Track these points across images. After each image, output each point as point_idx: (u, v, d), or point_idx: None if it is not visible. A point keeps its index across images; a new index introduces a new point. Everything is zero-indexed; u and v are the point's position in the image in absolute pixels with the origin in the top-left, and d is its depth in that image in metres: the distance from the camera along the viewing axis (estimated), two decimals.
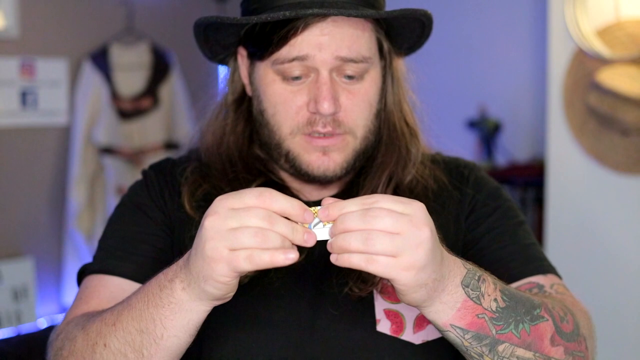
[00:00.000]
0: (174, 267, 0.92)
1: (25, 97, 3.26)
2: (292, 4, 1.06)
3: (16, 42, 3.21)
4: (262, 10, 1.08)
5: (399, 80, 1.19)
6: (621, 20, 2.42)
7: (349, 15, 1.03)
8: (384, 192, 1.14)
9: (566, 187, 2.56)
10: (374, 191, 1.14)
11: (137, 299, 0.94)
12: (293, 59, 1.06)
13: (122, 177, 3.39)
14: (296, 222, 0.85)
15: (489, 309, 0.91)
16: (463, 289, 0.90)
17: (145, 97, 3.55)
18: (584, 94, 2.48)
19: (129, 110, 3.50)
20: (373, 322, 1.07)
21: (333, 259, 0.85)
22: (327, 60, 1.06)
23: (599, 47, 2.43)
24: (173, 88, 3.61)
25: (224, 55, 1.20)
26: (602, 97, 2.44)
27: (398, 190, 1.16)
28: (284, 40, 1.06)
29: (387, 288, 1.09)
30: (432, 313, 0.90)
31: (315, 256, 1.11)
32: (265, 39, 1.08)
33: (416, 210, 0.84)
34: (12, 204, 3.25)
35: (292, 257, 0.84)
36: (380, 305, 1.08)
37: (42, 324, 3.11)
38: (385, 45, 1.14)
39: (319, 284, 1.10)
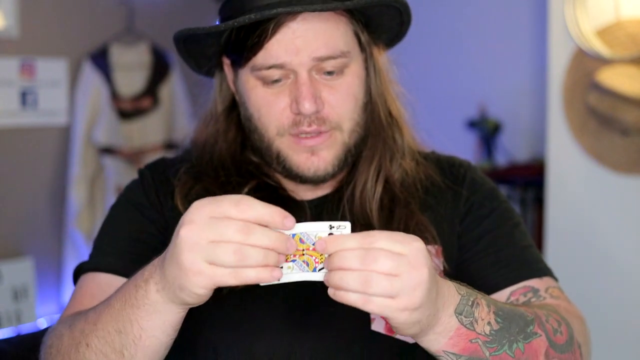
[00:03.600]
0: (149, 267, 0.92)
1: (25, 97, 3.26)
2: (259, 6, 1.05)
3: (16, 42, 3.21)
4: (234, 17, 1.07)
5: (381, 72, 1.18)
6: (621, 20, 2.42)
7: (314, 10, 1.02)
8: (374, 187, 1.14)
9: (566, 187, 2.56)
10: (364, 186, 1.13)
11: (115, 299, 0.94)
12: (270, 67, 1.07)
13: (122, 177, 3.38)
14: (277, 230, 0.84)
15: (483, 333, 0.92)
16: (456, 317, 0.90)
17: (145, 97, 3.55)
18: (584, 94, 2.48)
19: (128, 110, 3.50)
20: (367, 320, 1.08)
21: (330, 292, 0.85)
22: (304, 62, 1.06)
23: (599, 47, 2.43)
24: (173, 88, 3.61)
25: (210, 66, 1.20)
26: (602, 97, 2.44)
27: (387, 184, 1.15)
28: (258, 45, 1.06)
29: None
30: (425, 342, 0.91)
31: None
32: (241, 45, 1.08)
33: (415, 250, 0.84)
34: (12, 204, 3.24)
35: (276, 275, 0.84)
36: None
37: (42, 324, 3.11)
38: (364, 38, 1.13)
39: (313, 284, 1.10)
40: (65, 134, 3.40)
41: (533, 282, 1.11)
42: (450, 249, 1.14)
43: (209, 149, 1.19)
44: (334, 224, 0.86)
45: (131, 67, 3.50)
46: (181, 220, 0.85)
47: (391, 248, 0.83)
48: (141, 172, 1.24)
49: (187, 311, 0.92)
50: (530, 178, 3.07)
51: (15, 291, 3.13)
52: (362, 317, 1.07)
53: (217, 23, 1.13)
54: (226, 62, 1.17)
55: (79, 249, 3.33)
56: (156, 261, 0.91)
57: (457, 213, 1.17)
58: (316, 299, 1.08)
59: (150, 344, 0.91)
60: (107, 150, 3.40)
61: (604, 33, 2.44)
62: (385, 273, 0.82)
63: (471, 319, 0.91)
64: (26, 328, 3.06)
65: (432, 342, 0.90)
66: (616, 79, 2.42)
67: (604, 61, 2.42)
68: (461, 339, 0.90)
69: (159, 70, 3.58)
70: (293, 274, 0.87)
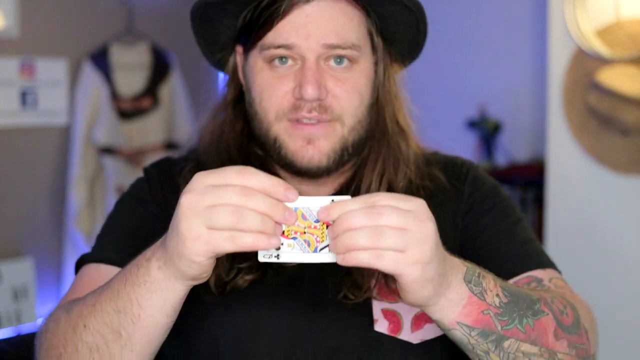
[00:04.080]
0: (152, 247, 0.91)
1: (25, 97, 3.26)
2: None
3: (16, 42, 3.21)
4: None
5: (391, 79, 1.18)
6: (621, 20, 2.42)
7: None
8: (377, 191, 1.13)
9: (566, 187, 2.56)
10: (367, 190, 1.13)
11: (116, 280, 0.93)
12: (279, 46, 1.06)
13: (122, 177, 3.38)
14: (278, 200, 0.82)
15: (493, 305, 0.91)
16: (467, 284, 0.89)
17: (145, 97, 3.55)
18: (584, 94, 2.48)
19: (128, 110, 3.50)
20: (371, 321, 1.07)
21: (339, 259, 0.83)
22: (313, 48, 1.06)
23: (599, 47, 2.43)
24: (173, 88, 3.61)
25: (222, 56, 1.20)
26: (602, 97, 2.44)
27: (391, 190, 1.15)
28: (268, 24, 1.06)
29: (384, 289, 1.09)
30: (438, 312, 0.89)
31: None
32: (252, 26, 1.08)
33: (419, 206, 0.84)
34: (12, 204, 3.24)
35: (274, 242, 0.82)
36: (378, 304, 1.08)
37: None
38: (377, 40, 1.13)
39: (316, 286, 1.10)
40: (65, 134, 3.40)
41: (536, 273, 1.11)
42: (452, 246, 1.14)
43: (216, 139, 1.19)
44: (336, 198, 0.85)
45: (131, 67, 3.50)
46: (183, 191, 0.84)
47: (395, 204, 0.82)
48: (147, 171, 1.24)
49: (188, 292, 0.90)
50: (530, 178, 3.07)
51: (15, 291, 3.13)
52: (365, 318, 1.07)
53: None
54: (239, 50, 1.16)
55: (79, 249, 3.33)
56: (159, 241, 0.90)
57: (460, 211, 1.18)
58: (320, 299, 1.09)
59: (148, 324, 0.90)
60: (107, 150, 3.40)
61: (604, 33, 2.44)
62: (394, 227, 0.81)
63: (480, 288, 0.90)
64: (26, 328, 3.06)
65: (445, 311, 0.89)
66: (616, 79, 2.42)
67: (604, 61, 2.42)
68: (474, 309, 0.89)
69: (159, 70, 3.58)
70: (293, 253, 0.85)
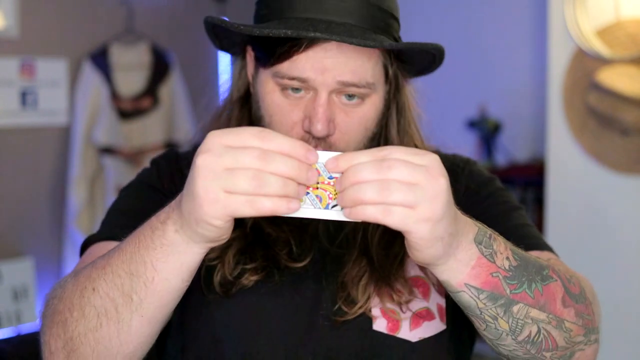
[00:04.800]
0: (166, 209, 0.88)
1: (25, 97, 3.26)
2: (299, 18, 1.03)
3: (16, 42, 3.21)
4: (271, 18, 1.06)
5: (406, 108, 1.16)
6: (621, 20, 2.42)
7: (351, 44, 1.00)
8: None
9: (566, 187, 2.56)
10: None
11: (128, 242, 0.90)
12: (294, 78, 1.05)
13: (122, 177, 3.38)
14: (298, 160, 0.79)
15: (503, 268, 0.89)
16: (477, 245, 0.87)
17: (145, 97, 3.55)
18: (584, 94, 2.48)
19: (128, 110, 3.50)
20: (369, 320, 1.08)
21: (346, 213, 0.81)
22: (328, 83, 1.04)
23: (599, 47, 2.43)
24: (173, 88, 3.61)
25: (234, 51, 1.19)
26: (602, 97, 2.44)
27: None
28: (286, 55, 1.04)
29: (383, 289, 1.09)
30: (446, 272, 0.87)
31: (316, 257, 1.11)
32: (269, 49, 1.06)
33: (432, 161, 0.81)
34: (12, 204, 3.25)
35: (294, 207, 0.79)
36: (376, 303, 1.08)
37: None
38: (392, 71, 1.11)
39: (319, 286, 1.10)
40: (65, 134, 3.40)
41: (534, 254, 1.10)
42: None
43: None
44: None
45: (131, 67, 3.51)
46: (197, 151, 0.81)
47: (407, 158, 0.80)
48: (155, 161, 1.23)
49: (205, 254, 0.87)
50: (530, 178, 3.07)
51: (15, 291, 3.13)
52: (364, 317, 1.07)
53: (254, 13, 1.11)
54: (250, 53, 1.15)
55: (79, 249, 3.33)
56: (173, 203, 0.87)
57: (457, 204, 1.17)
58: (320, 300, 1.09)
59: (162, 289, 0.87)
60: (107, 150, 3.40)
61: (604, 33, 2.44)
62: (404, 181, 0.78)
63: (490, 250, 0.88)
64: (26, 328, 3.06)
65: (453, 272, 0.86)
66: (616, 79, 2.42)
67: (604, 61, 2.42)
68: (483, 270, 0.87)
69: (159, 70, 3.58)
70: (304, 208, 0.82)
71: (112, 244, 1.03)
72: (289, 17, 1.04)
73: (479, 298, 0.88)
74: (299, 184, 0.80)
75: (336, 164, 0.81)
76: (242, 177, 0.77)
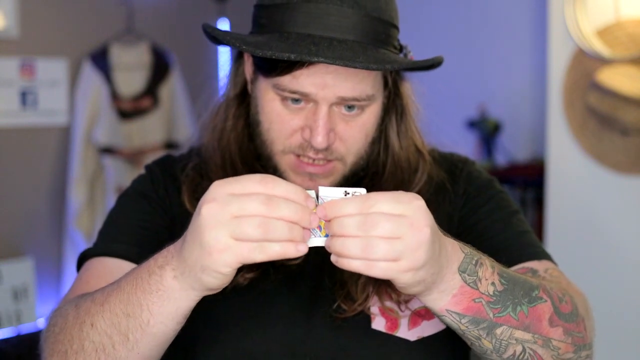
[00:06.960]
0: (164, 253, 0.89)
1: (25, 97, 3.26)
2: (301, 34, 1.02)
3: (16, 42, 3.21)
4: (270, 30, 1.05)
5: (405, 111, 1.17)
6: (621, 20, 2.42)
7: (354, 67, 0.99)
8: None
9: (566, 187, 2.56)
10: None
11: (126, 282, 0.92)
12: (294, 92, 1.05)
13: (122, 177, 3.39)
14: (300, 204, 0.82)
15: (486, 293, 0.91)
16: (460, 274, 0.89)
17: (145, 97, 3.55)
18: (584, 94, 2.48)
19: (128, 110, 3.50)
20: (368, 319, 1.08)
21: (333, 259, 0.84)
22: (328, 97, 1.05)
23: (599, 47, 2.43)
24: (173, 88, 3.61)
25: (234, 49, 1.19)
26: (602, 97, 2.44)
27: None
28: (287, 70, 1.04)
29: (381, 289, 1.09)
30: (428, 301, 0.90)
31: (312, 255, 1.11)
32: (271, 61, 1.05)
33: (416, 210, 0.83)
34: (12, 204, 3.25)
35: (302, 249, 0.82)
36: (375, 302, 1.08)
37: (42, 324, 3.11)
38: (391, 79, 1.12)
39: (316, 283, 1.10)
40: (65, 134, 3.40)
41: (531, 264, 1.10)
42: None
43: (217, 137, 1.18)
44: (350, 190, 0.85)
45: (131, 67, 3.51)
46: (201, 201, 0.83)
47: (391, 210, 0.82)
48: (149, 168, 1.23)
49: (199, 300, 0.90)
50: (530, 178, 3.07)
51: (15, 291, 3.13)
52: (362, 316, 1.07)
53: (252, 17, 1.10)
54: (249, 57, 1.15)
55: (79, 249, 3.33)
56: (171, 248, 0.89)
57: (456, 207, 1.18)
58: (317, 298, 1.09)
59: (157, 331, 0.90)
60: (107, 150, 3.40)
61: (604, 33, 2.44)
62: (386, 237, 0.81)
63: (475, 277, 0.90)
64: (26, 328, 3.06)
65: (435, 301, 0.89)
66: (616, 79, 2.42)
67: (604, 61, 2.42)
68: (464, 297, 0.89)
69: (159, 70, 3.58)
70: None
71: (107, 260, 1.08)
72: (290, 31, 1.03)
73: (460, 322, 0.91)
74: (303, 227, 0.82)
75: (324, 213, 0.83)
76: (249, 224, 0.79)
